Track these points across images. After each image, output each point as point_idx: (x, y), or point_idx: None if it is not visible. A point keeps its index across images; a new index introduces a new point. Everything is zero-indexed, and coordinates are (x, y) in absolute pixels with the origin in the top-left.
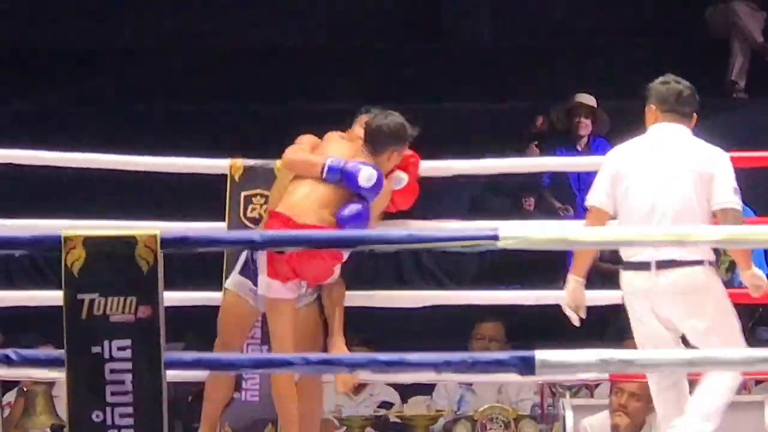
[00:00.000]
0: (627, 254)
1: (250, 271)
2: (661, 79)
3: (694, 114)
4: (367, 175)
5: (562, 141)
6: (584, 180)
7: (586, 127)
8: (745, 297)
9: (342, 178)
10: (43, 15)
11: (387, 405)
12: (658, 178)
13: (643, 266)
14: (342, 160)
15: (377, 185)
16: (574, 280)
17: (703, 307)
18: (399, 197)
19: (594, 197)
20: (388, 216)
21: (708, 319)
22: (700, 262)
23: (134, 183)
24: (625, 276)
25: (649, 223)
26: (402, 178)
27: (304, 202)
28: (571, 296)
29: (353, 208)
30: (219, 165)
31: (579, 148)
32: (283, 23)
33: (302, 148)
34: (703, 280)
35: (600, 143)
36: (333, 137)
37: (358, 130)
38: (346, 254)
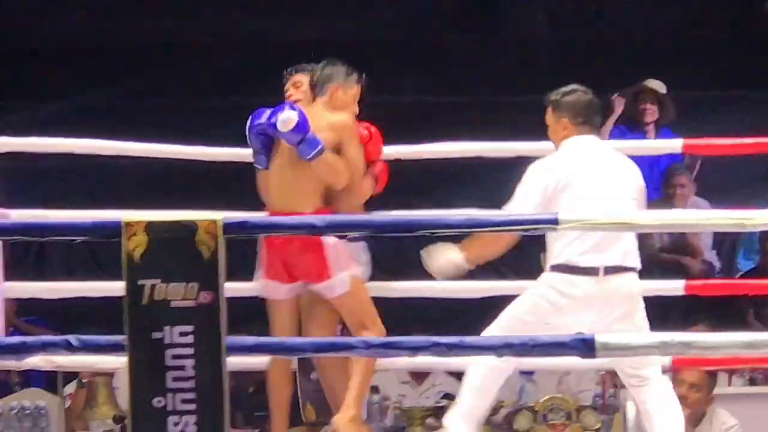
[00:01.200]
0: (567, 258)
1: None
2: (564, 89)
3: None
4: (281, 119)
5: (631, 126)
6: (652, 171)
7: (652, 113)
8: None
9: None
10: (99, 11)
11: (449, 396)
12: (606, 191)
13: (591, 271)
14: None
15: (299, 123)
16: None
17: (635, 313)
18: (370, 147)
19: (522, 211)
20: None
21: (637, 326)
22: (635, 269)
23: (190, 174)
24: (571, 279)
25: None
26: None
27: (273, 192)
28: (444, 269)
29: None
30: None
31: (648, 137)
32: (343, 18)
33: None
34: (639, 286)
35: (666, 133)
36: None
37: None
38: (341, 251)
